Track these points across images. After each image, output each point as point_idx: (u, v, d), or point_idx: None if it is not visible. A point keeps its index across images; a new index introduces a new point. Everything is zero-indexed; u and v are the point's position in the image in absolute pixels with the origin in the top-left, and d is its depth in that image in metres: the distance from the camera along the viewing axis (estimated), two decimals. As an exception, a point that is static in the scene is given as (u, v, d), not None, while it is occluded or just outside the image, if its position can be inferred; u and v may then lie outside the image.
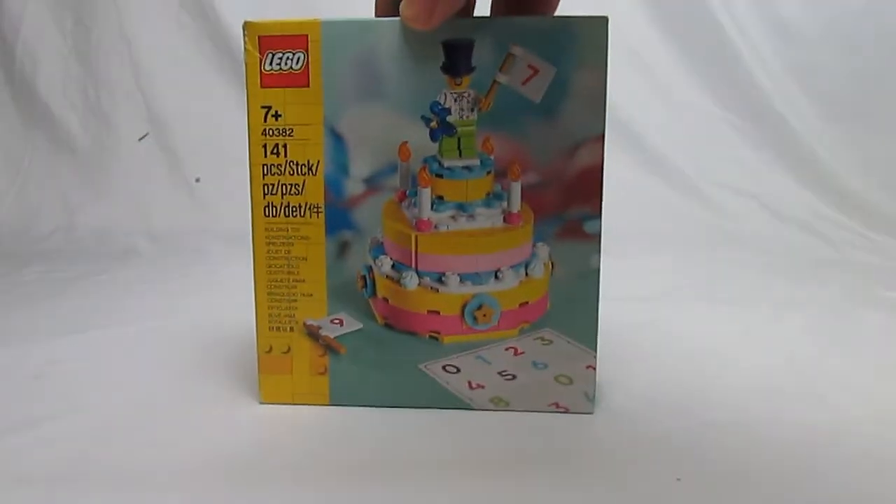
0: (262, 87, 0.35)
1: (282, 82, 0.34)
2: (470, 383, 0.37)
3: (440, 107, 0.34)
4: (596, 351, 0.36)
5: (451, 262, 0.36)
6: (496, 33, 0.33)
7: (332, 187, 0.35)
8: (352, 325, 0.37)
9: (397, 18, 0.33)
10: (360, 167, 0.35)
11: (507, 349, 0.37)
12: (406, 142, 0.35)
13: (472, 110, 0.34)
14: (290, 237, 0.36)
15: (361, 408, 0.36)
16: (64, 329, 0.52)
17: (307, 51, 0.34)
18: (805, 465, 0.31)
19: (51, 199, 0.99)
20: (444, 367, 0.37)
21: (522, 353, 0.36)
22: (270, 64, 0.34)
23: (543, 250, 0.36)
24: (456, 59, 0.33)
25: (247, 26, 0.34)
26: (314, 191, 0.36)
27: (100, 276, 0.73)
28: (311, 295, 0.36)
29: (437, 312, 0.36)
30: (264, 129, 0.35)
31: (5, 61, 1.06)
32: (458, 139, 0.35)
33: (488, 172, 0.35)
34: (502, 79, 0.34)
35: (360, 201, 0.36)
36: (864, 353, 0.47)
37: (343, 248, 0.36)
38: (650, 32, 1.04)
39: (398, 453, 0.32)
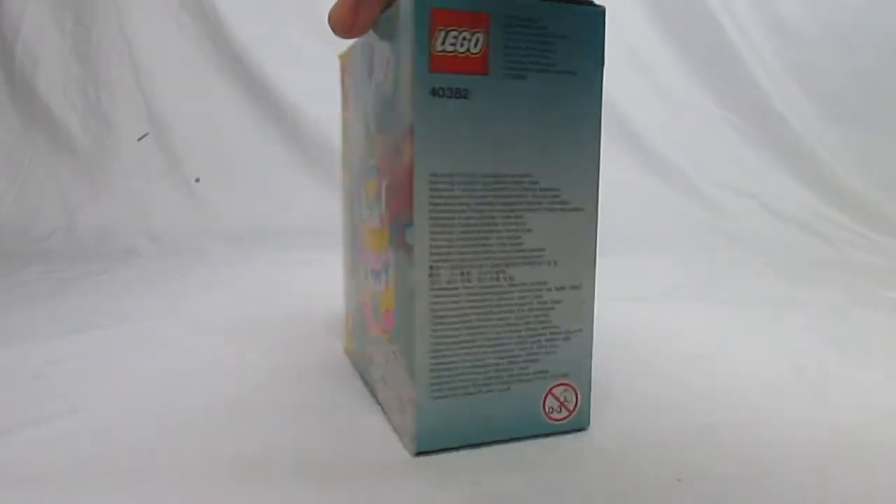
0: None
1: None
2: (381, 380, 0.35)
3: None
4: (418, 388, 0.30)
5: (368, 255, 0.36)
6: None
7: None
8: None
9: None
10: None
11: (384, 353, 0.34)
12: None
13: None
14: None
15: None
16: (64, 329, 0.52)
17: None
18: (805, 465, 0.31)
19: (51, 199, 0.99)
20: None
21: (385, 362, 0.34)
22: None
23: (392, 257, 0.32)
24: None
25: None
26: None
27: (100, 276, 0.73)
28: None
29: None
30: None
31: (5, 61, 1.06)
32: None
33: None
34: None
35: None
36: (864, 353, 0.47)
37: None
38: (650, 32, 1.04)
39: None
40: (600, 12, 0.30)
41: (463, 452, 0.31)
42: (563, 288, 0.31)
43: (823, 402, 0.38)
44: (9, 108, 1.06)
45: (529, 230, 0.30)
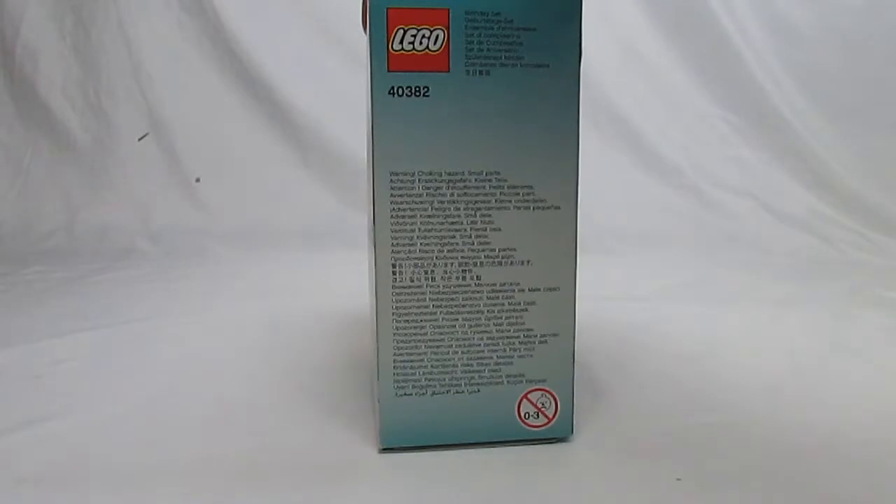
0: None
1: None
2: None
3: None
4: (382, 384, 0.30)
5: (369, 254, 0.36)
6: None
7: None
8: None
9: None
10: None
11: (371, 350, 0.36)
12: None
13: None
14: None
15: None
16: (64, 329, 0.52)
17: None
18: (805, 465, 0.31)
19: (51, 199, 0.99)
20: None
21: (371, 360, 0.35)
22: None
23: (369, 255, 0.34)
24: None
25: None
26: None
27: (100, 276, 0.73)
28: None
29: None
30: None
31: (5, 61, 1.06)
32: None
33: None
34: None
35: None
36: (864, 353, 0.47)
37: None
38: (650, 32, 1.04)
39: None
40: (574, 1, 0.29)
41: (434, 452, 0.31)
42: (537, 289, 0.30)
43: (823, 402, 0.38)
44: (9, 108, 1.06)
45: (498, 229, 0.30)
